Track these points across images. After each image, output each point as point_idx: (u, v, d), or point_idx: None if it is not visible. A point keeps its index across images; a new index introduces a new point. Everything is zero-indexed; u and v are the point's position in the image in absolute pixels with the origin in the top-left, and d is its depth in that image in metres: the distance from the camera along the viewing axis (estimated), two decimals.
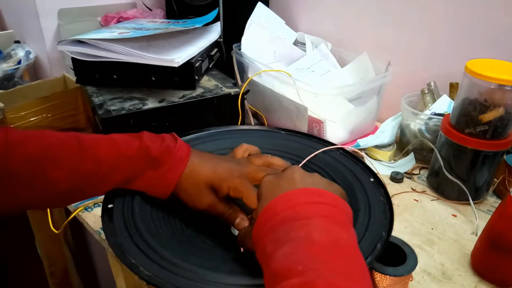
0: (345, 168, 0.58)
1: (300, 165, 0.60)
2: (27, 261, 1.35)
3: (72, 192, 0.48)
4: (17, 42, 1.10)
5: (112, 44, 0.76)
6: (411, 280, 0.55)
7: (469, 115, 0.68)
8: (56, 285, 1.31)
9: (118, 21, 1.06)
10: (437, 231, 0.68)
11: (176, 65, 0.74)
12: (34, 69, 1.11)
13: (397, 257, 0.53)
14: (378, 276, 0.51)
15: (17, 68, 1.03)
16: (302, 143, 0.64)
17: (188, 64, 0.78)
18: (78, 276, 1.34)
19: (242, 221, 0.49)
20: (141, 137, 0.50)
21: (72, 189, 0.47)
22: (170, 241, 0.46)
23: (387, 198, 0.53)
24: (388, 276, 0.50)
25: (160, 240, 0.44)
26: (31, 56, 1.06)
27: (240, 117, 0.83)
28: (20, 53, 1.03)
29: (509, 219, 0.53)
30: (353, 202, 0.52)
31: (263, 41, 1.03)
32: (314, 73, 1.01)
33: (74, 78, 0.85)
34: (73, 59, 0.80)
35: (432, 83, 0.88)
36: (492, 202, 0.75)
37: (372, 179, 0.56)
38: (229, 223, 0.50)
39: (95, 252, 1.43)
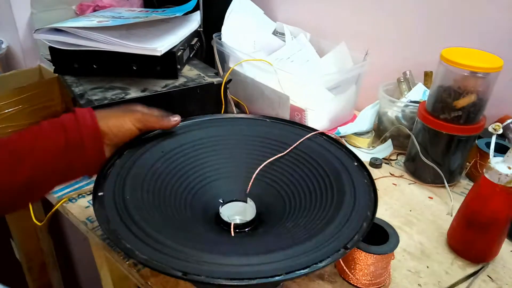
0: (330, 154, 0.60)
1: (287, 152, 0.61)
2: (3, 257, 1.31)
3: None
4: None
5: (92, 32, 0.74)
6: (392, 259, 0.57)
7: (444, 102, 0.71)
8: (35, 281, 1.29)
9: (94, 10, 1.04)
10: (415, 213, 0.71)
11: (159, 54, 0.74)
12: (6, 60, 1.07)
13: (380, 237, 0.56)
14: (362, 255, 0.53)
15: None
16: (287, 130, 0.65)
17: (170, 53, 0.78)
18: (57, 271, 1.32)
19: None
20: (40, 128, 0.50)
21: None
22: (163, 226, 0.46)
23: (371, 181, 0.55)
24: (372, 254, 0.53)
25: (153, 225, 0.45)
26: (3, 45, 1.02)
27: (223, 107, 0.83)
28: None
29: (483, 198, 0.57)
30: (339, 185, 0.54)
31: (243, 31, 1.03)
32: (293, 63, 1.02)
33: (50, 68, 0.83)
34: (50, 48, 0.78)
35: (407, 72, 0.91)
36: (465, 184, 0.79)
37: (355, 163, 0.58)
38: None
39: (75, 245, 1.41)
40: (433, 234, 0.66)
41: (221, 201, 0.59)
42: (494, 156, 0.58)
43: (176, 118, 0.60)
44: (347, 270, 0.56)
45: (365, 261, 0.54)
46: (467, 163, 0.80)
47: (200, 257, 0.41)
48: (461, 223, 0.61)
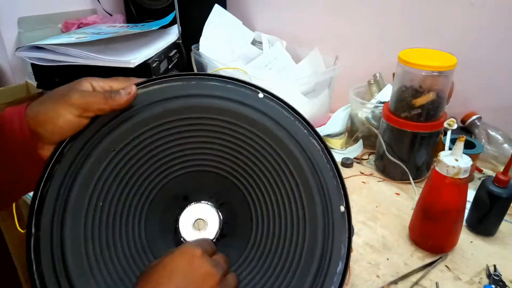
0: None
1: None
2: (2, 269, 1.35)
3: None
4: None
5: (69, 48, 0.79)
6: (351, 252, 0.60)
7: (404, 101, 0.74)
8: None
9: (79, 27, 1.08)
10: (381, 208, 0.73)
11: (132, 66, 0.78)
12: None
13: None
14: None
15: None
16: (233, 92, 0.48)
17: (145, 65, 0.82)
18: None
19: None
20: None
21: None
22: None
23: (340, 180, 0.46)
24: None
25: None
26: None
27: None
28: None
29: (435, 190, 0.59)
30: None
31: (221, 42, 1.07)
32: (271, 70, 1.06)
33: (36, 84, 0.87)
34: (32, 64, 0.83)
35: (377, 74, 0.95)
36: None
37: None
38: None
39: None
40: (396, 228, 0.69)
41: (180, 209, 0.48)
42: (449, 150, 0.61)
43: (129, 90, 0.42)
44: None
45: None
46: (434, 159, 0.82)
47: None
48: (418, 215, 0.63)
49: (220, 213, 0.47)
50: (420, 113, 0.73)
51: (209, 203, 0.48)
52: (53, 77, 0.84)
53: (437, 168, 0.59)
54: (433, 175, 0.60)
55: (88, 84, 0.42)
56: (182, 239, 0.46)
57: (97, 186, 0.43)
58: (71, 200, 0.41)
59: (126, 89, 0.42)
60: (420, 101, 0.73)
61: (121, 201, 0.44)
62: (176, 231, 0.46)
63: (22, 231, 0.75)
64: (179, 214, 0.47)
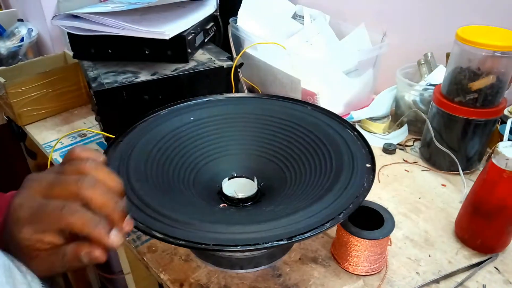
0: (328, 127, 0.58)
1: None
2: None
3: None
4: (20, 20, 1.12)
5: (105, 17, 0.77)
6: (389, 245, 0.55)
7: (459, 84, 0.67)
8: None
9: None
10: (425, 200, 0.68)
11: (167, 38, 0.75)
12: (37, 47, 1.13)
13: (377, 222, 0.54)
14: (355, 240, 0.52)
15: (20, 46, 1.06)
16: (287, 107, 0.64)
17: (180, 37, 0.79)
18: None
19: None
20: None
21: None
22: (168, 201, 0.47)
23: (369, 150, 0.54)
24: (365, 240, 0.51)
25: (159, 201, 0.46)
26: (33, 33, 1.08)
27: (234, 90, 0.83)
28: (23, 31, 1.06)
29: (490, 184, 0.53)
30: (338, 156, 0.53)
31: (260, 15, 1.02)
32: (312, 46, 1.00)
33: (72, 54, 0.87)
34: (68, 34, 0.81)
35: (429, 54, 0.87)
36: None
37: (353, 133, 0.57)
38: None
39: None
40: (440, 222, 0.63)
41: (225, 178, 0.60)
42: (509, 140, 0.55)
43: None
44: (340, 255, 0.55)
45: (358, 247, 0.53)
46: (488, 149, 0.75)
47: (210, 228, 0.42)
48: (467, 210, 0.57)
49: (258, 180, 0.59)
50: (477, 98, 0.66)
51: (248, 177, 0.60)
52: (88, 47, 0.83)
53: (494, 160, 0.53)
54: (489, 168, 0.54)
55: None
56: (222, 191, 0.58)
57: (155, 147, 0.56)
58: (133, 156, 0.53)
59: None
60: (478, 84, 0.65)
61: (180, 160, 0.57)
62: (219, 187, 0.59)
63: None
64: (224, 181, 0.59)
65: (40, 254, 0.33)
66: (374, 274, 0.54)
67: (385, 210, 0.55)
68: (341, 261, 0.55)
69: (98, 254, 0.33)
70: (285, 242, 0.40)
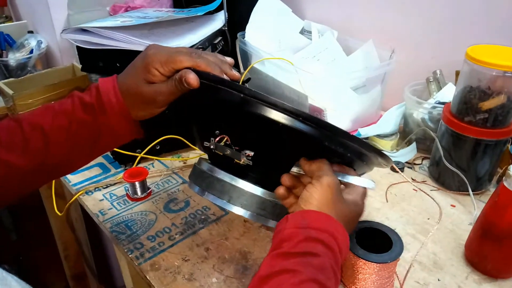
0: None
1: None
2: (45, 246, 1.40)
3: (36, 171, 0.47)
4: (30, 32, 1.14)
5: (114, 32, 0.77)
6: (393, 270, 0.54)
7: (469, 103, 0.66)
8: (70, 268, 1.36)
9: (126, 11, 1.07)
10: (433, 221, 0.67)
11: None
12: (46, 58, 1.14)
13: (385, 244, 0.53)
14: (362, 263, 0.51)
15: (30, 57, 1.06)
16: None
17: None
18: (92, 259, 1.38)
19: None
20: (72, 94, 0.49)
21: (34, 167, 0.46)
22: None
23: None
24: (372, 263, 0.50)
25: None
26: (43, 45, 1.09)
27: None
28: (32, 43, 1.07)
29: (501, 208, 0.52)
30: None
31: (268, 30, 1.03)
32: (319, 62, 1.00)
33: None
34: (77, 47, 0.82)
35: (438, 71, 0.86)
36: None
37: None
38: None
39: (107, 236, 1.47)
40: (449, 244, 0.62)
41: None
42: None
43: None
44: (347, 278, 0.54)
45: (365, 270, 0.51)
46: (499, 169, 0.74)
47: None
48: (478, 233, 0.56)
49: None
50: (487, 118, 0.65)
51: None
52: (97, 60, 0.83)
53: (505, 184, 0.51)
54: (500, 191, 0.52)
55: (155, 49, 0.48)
56: None
57: None
58: None
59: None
60: (488, 104, 0.64)
61: None
62: None
63: (60, 214, 0.75)
64: None
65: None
66: None
67: (393, 232, 0.54)
68: (348, 283, 0.54)
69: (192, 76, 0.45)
70: None
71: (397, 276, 0.56)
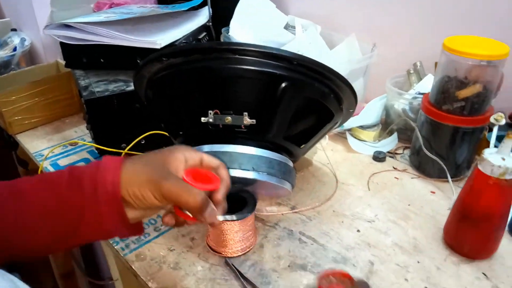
0: None
1: None
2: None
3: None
4: (14, 30, 1.13)
5: (97, 27, 0.77)
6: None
7: (446, 92, 0.68)
8: (59, 266, 1.35)
9: (110, 7, 1.07)
10: (414, 207, 0.68)
11: (159, 47, 0.76)
12: (30, 56, 1.13)
13: (239, 204, 0.57)
14: (227, 225, 0.55)
15: (13, 55, 1.06)
16: None
17: (172, 46, 0.79)
18: (79, 254, 1.37)
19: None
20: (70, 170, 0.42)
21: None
22: None
23: None
24: (235, 222, 0.55)
25: None
26: (26, 43, 1.08)
27: None
28: (16, 41, 1.06)
29: (476, 191, 0.54)
30: None
31: (253, 25, 1.03)
32: None
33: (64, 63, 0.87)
34: (61, 43, 0.82)
35: (418, 63, 0.88)
36: None
37: None
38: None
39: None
40: (429, 229, 0.63)
41: None
42: (495, 147, 0.55)
43: (213, 220, 0.42)
44: (218, 244, 0.58)
45: (231, 230, 0.56)
46: (476, 157, 0.76)
47: None
48: (455, 217, 0.58)
49: None
50: (464, 106, 0.67)
51: None
52: (81, 56, 0.83)
53: (480, 167, 0.53)
54: (475, 175, 0.54)
55: (182, 156, 0.43)
56: None
57: None
58: None
59: (211, 215, 0.41)
60: (465, 93, 0.66)
61: None
62: None
63: None
64: None
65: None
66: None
67: (244, 191, 0.59)
68: (219, 248, 0.58)
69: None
70: None
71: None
